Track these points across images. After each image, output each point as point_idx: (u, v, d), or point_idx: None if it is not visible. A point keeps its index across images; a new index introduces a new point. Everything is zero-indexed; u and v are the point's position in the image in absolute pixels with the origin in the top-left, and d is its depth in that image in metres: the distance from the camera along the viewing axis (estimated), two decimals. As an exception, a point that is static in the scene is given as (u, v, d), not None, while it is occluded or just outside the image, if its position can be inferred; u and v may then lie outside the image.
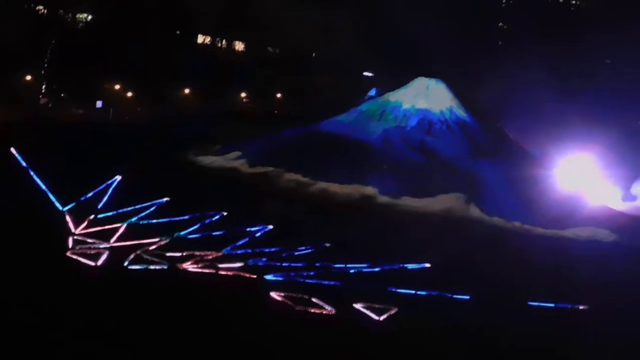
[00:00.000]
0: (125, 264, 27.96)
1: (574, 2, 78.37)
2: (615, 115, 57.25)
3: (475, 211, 43.57)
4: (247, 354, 21.09)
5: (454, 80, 56.81)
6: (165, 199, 36.26)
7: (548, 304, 28.30)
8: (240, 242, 31.44)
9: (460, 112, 53.66)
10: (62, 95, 68.49)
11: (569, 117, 55.15)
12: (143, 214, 34.18)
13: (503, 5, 78.42)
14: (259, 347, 21.45)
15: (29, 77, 68.29)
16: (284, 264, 29.50)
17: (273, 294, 26.12)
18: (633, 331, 25.80)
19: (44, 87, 69.46)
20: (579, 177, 49.43)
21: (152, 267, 28.00)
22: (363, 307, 25.78)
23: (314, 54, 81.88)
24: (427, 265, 31.04)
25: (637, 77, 59.90)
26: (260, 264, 29.42)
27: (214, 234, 32.48)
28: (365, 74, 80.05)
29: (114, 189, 37.45)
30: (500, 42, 76.26)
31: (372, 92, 63.88)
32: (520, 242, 37.67)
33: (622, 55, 64.03)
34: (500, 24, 78.26)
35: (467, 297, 28.08)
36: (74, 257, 28.09)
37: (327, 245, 32.03)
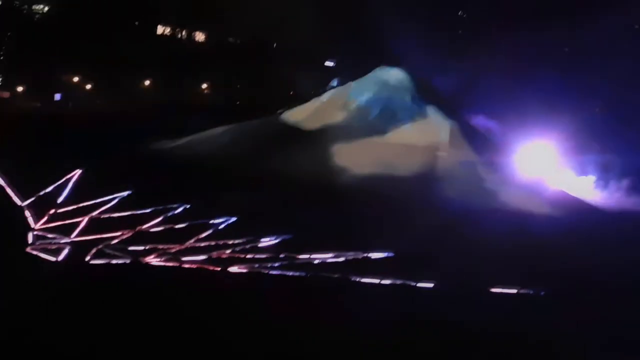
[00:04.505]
0: (87, 258, 27.71)
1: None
2: (575, 103, 57.92)
3: (435, 197, 43.80)
4: (211, 346, 21.06)
5: (415, 69, 57.01)
6: (127, 192, 35.96)
7: (510, 289, 28.69)
8: (204, 235, 31.32)
9: (421, 101, 53.91)
10: (18, 88, 67.43)
11: (530, 104, 55.64)
12: (104, 207, 33.87)
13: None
14: (224, 340, 21.45)
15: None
16: (247, 256, 29.49)
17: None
18: (592, 316, 26.26)
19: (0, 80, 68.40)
20: (539, 164, 50.00)
21: (114, 261, 27.80)
22: (325, 299, 25.88)
23: (275, 45, 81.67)
24: (391, 254, 31.20)
25: (597, 65, 60.62)
26: (224, 256, 29.39)
27: (177, 226, 32.30)
28: (327, 64, 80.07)
29: (74, 183, 37.06)
30: (460, 31, 76.65)
31: (334, 82, 63.93)
32: (481, 228, 37.90)
33: (583, 44, 64.77)
34: (460, 12, 78.64)
35: (431, 285, 28.36)
36: (34, 252, 27.78)
37: (291, 235, 32.03)
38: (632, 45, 61.48)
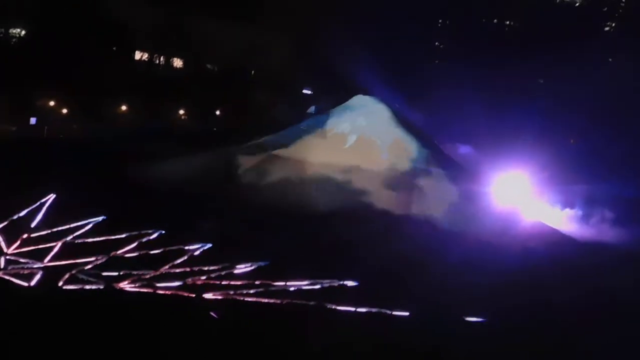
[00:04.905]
0: (60, 284, 27.33)
1: (508, 22, 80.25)
2: (551, 133, 58.59)
3: (411, 226, 43.88)
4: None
5: (393, 97, 57.39)
6: (101, 217, 35.61)
7: (482, 319, 28.68)
8: (179, 261, 31.03)
9: (398, 130, 54.18)
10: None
11: (506, 134, 56.20)
12: (78, 232, 33.49)
13: (439, 25, 79.82)
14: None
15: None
16: (222, 283, 29.25)
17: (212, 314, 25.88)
18: (566, 346, 26.37)
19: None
20: (515, 194, 50.31)
21: (87, 286, 27.44)
22: (301, 327, 25.70)
23: (252, 72, 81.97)
24: (366, 282, 31.08)
25: (574, 97, 61.50)
26: (199, 282, 29.13)
27: (152, 252, 31.98)
28: (305, 91, 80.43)
29: (48, 207, 36.65)
30: (437, 61, 77.46)
31: (312, 110, 64.20)
32: (456, 256, 37.96)
33: (555, 75, 65.69)
34: (437, 42, 79.63)
35: (406, 313, 28.29)
36: (6, 277, 27.36)
37: (267, 262, 31.85)
38: (608, 77, 62.50)
